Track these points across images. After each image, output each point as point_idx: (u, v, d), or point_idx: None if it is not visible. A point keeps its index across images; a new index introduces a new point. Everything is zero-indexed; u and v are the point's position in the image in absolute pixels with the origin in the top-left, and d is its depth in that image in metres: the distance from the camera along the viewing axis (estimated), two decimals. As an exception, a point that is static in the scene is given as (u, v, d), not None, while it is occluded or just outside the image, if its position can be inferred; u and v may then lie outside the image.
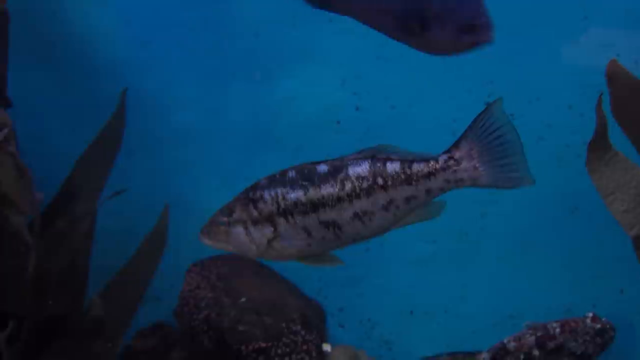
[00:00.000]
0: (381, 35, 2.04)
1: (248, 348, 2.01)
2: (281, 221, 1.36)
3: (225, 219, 1.43)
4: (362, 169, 1.33)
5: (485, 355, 2.00)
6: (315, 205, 1.34)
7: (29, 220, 1.84)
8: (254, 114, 2.18)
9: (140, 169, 2.22)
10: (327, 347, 2.12)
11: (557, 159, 2.05)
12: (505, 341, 1.98)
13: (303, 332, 2.08)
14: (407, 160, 1.32)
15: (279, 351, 2.03)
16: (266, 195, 1.37)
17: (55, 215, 1.90)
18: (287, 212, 1.35)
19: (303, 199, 1.34)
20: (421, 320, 2.22)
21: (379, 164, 1.32)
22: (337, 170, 1.33)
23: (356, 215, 1.34)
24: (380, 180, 1.33)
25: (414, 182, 1.32)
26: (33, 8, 2.11)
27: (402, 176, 1.32)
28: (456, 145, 1.32)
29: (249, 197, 1.40)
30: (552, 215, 2.14)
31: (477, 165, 1.31)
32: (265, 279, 2.16)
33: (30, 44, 2.07)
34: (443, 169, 1.31)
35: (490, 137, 1.31)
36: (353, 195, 1.33)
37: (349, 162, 1.34)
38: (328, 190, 1.33)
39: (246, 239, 1.39)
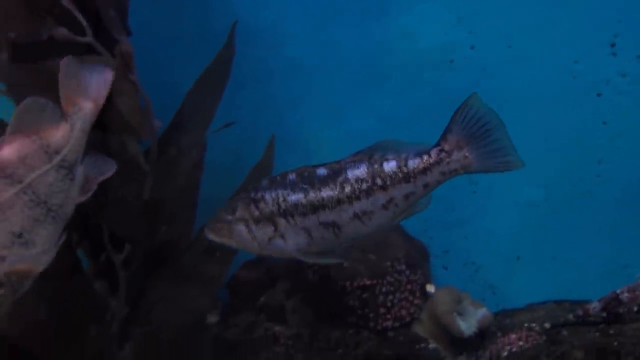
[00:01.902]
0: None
1: (353, 285, 2.02)
2: (282, 221, 1.42)
3: (228, 216, 1.48)
4: (361, 171, 1.38)
5: (595, 304, 1.94)
6: (315, 207, 1.40)
7: (144, 148, 1.89)
8: (366, 49, 2.14)
9: (249, 101, 2.22)
10: (430, 288, 2.11)
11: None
12: (618, 291, 1.92)
13: (407, 272, 2.07)
14: (403, 159, 1.37)
15: (384, 289, 2.04)
16: (267, 196, 1.43)
17: (167, 145, 1.94)
18: (287, 213, 1.42)
19: (303, 201, 1.40)
20: (527, 265, 2.19)
21: (376, 166, 1.37)
22: (336, 173, 1.39)
23: (356, 215, 1.39)
24: (379, 181, 1.38)
25: (411, 179, 1.36)
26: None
27: (400, 175, 1.37)
28: (443, 138, 1.36)
29: (251, 197, 1.45)
30: (673, 164, 2.06)
31: (466, 154, 1.35)
32: (370, 216, 2.16)
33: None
34: (437, 163, 1.36)
35: (475, 127, 1.36)
36: (353, 197, 1.38)
37: (347, 165, 1.39)
38: (328, 193, 1.39)
39: (248, 236, 1.46)
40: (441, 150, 1.35)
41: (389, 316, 2.04)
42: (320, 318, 2.08)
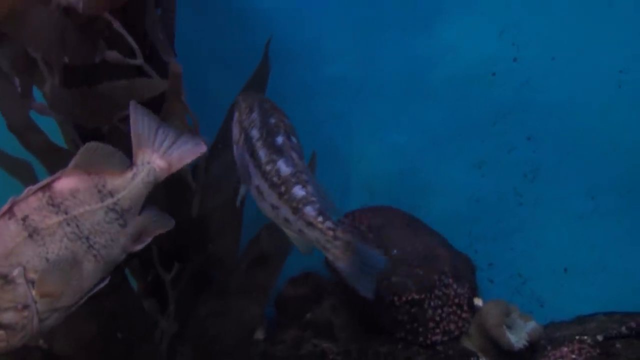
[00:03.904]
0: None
1: (401, 299, 2.01)
2: (242, 138, 1.52)
3: (239, 99, 1.60)
4: (283, 169, 1.41)
5: (649, 316, 1.93)
6: (251, 154, 1.47)
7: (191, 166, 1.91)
8: (408, 64, 2.14)
9: (291, 118, 2.23)
10: (478, 301, 2.10)
11: None
12: (671, 302, 1.92)
13: (455, 286, 2.06)
14: (309, 199, 1.37)
15: (432, 303, 2.03)
16: (253, 114, 1.51)
17: (211, 162, 1.96)
18: (247, 136, 1.50)
19: (253, 140, 1.48)
20: (576, 277, 2.16)
21: (293, 180, 1.39)
22: (278, 150, 1.44)
23: (257, 188, 1.45)
24: (276, 179, 1.40)
25: (297, 215, 1.38)
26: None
27: (292, 204, 1.38)
28: (349, 230, 1.36)
29: (251, 104, 1.55)
30: None
31: (349, 250, 1.35)
32: (415, 230, 2.15)
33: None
34: (321, 231, 1.35)
35: (368, 260, 1.36)
36: (263, 171, 1.43)
37: (287, 155, 1.43)
38: (260, 154, 1.44)
39: (234, 124, 1.58)
40: (334, 229, 1.35)
41: (437, 330, 2.03)
42: (368, 333, 2.08)
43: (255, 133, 1.48)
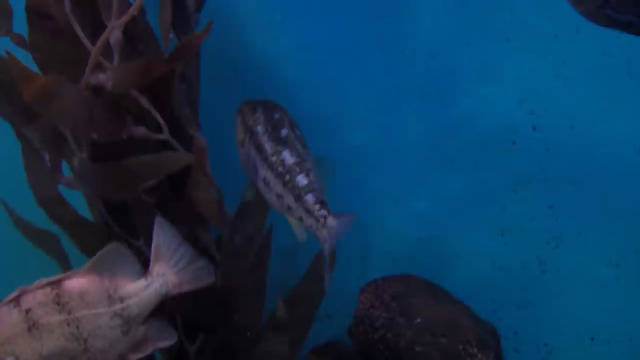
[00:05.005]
0: (561, 54, 2.02)
1: (426, 369, 2.00)
2: (247, 137, 1.62)
3: (244, 106, 1.70)
4: (288, 159, 1.54)
5: (677, 386, 1.90)
6: (257, 148, 1.58)
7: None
8: (428, 133, 2.17)
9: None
10: (504, 371, 2.09)
11: None
12: (700, 373, 1.89)
13: (480, 355, 2.04)
14: (312, 187, 1.54)
15: (457, 374, 2.02)
16: (257, 112, 1.62)
17: (234, 233, 1.97)
18: (251, 134, 1.60)
19: (258, 135, 1.59)
20: (603, 347, 2.14)
21: (298, 169, 1.54)
22: (283, 142, 1.56)
23: (263, 180, 1.58)
24: (281, 169, 1.54)
25: (299, 202, 1.53)
26: (216, 31, 2.20)
27: (295, 192, 1.52)
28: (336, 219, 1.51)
29: (255, 105, 1.65)
30: None
31: (332, 240, 1.53)
32: (438, 298, 2.14)
33: (212, 66, 2.14)
34: (316, 217, 1.51)
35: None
36: (264, 158, 1.56)
37: (291, 146, 1.56)
38: (266, 147, 1.57)
39: (237, 127, 1.70)
40: (325, 216, 1.51)
41: (463, 401, 2.01)
42: (392, 404, 2.07)
43: (260, 129, 1.59)
